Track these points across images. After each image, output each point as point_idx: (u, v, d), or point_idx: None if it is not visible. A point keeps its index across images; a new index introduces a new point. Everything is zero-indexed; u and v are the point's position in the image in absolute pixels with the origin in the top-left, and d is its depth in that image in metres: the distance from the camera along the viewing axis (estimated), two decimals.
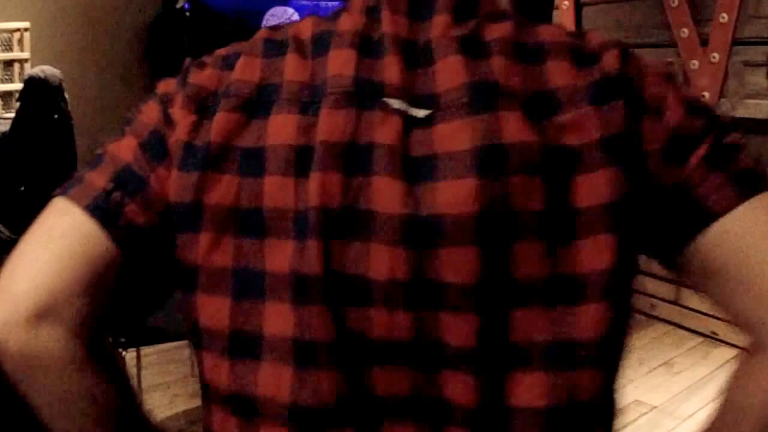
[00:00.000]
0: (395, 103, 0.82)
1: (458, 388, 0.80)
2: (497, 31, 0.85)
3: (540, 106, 0.81)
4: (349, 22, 0.88)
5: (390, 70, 0.83)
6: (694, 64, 4.64)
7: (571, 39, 0.88)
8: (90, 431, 0.90)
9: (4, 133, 3.97)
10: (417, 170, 0.79)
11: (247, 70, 0.89)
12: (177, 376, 4.56)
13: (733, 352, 4.66)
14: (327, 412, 0.81)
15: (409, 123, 0.81)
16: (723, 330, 4.74)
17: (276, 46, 0.90)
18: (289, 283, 0.81)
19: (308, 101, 0.84)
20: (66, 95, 4.04)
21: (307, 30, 0.90)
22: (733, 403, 0.87)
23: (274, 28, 0.95)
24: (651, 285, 5.19)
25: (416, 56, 0.85)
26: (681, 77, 4.79)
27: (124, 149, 0.92)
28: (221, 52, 0.96)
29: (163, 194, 0.88)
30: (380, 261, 0.79)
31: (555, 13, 5.75)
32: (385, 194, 0.79)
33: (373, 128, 0.81)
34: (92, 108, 5.02)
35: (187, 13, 5.26)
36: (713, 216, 0.81)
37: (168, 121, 0.91)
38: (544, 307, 0.79)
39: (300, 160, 0.81)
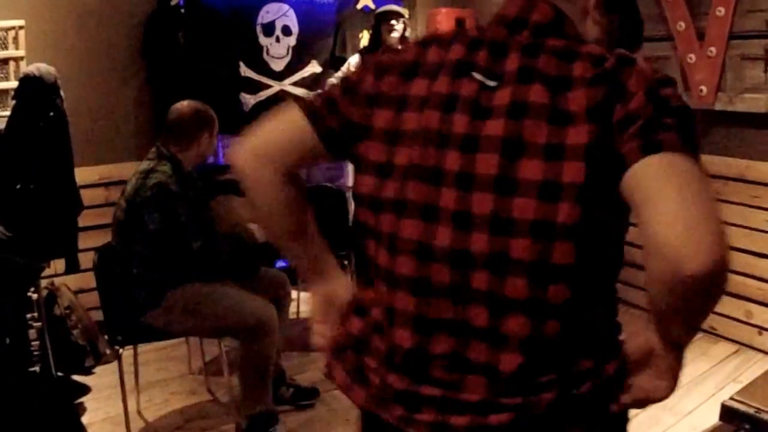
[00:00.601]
0: (478, 76, 1.38)
1: (480, 243, 1.32)
2: (552, 42, 1.37)
3: (561, 86, 1.30)
4: (470, 31, 1.47)
5: (480, 57, 1.40)
6: (691, 58, 4.64)
7: (599, 51, 1.35)
8: (285, 225, 1.66)
9: (0, 131, 3.97)
10: (480, 114, 1.36)
11: (409, 53, 1.52)
12: (174, 373, 4.56)
13: (733, 347, 4.68)
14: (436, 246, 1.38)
15: (483, 87, 1.37)
16: (722, 326, 4.75)
17: (427, 41, 1.51)
18: (415, 168, 1.41)
19: (435, 72, 1.44)
20: (61, 93, 4.03)
21: (448, 35, 1.49)
22: None
23: (438, 34, 1.56)
24: None
25: (500, 52, 1.39)
26: (678, 71, 4.79)
27: (333, 89, 1.60)
28: (399, 47, 1.67)
29: (347, 115, 1.53)
30: (451, 160, 1.36)
31: None
32: (459, 123, 1.37)
33: (461, 88, 1.39)
34: (87, 105, 5.02)
35: (182, 10, 5.24)
36: (626, 165, 1.23)
37: (361, 80, 1.55)
38: (537, 199, 1.28)
39: (423, 103, 1.42)
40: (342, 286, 1.73)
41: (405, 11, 5.70)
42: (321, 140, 1.54)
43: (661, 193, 1.16)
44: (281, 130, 1.59)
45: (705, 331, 4.83)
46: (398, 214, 1.43)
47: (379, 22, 5.63)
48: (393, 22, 5.51)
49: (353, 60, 5.78)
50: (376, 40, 5.67)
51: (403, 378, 1.43)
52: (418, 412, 1.40)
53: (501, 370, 1.33)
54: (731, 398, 1.89)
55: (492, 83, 1.36)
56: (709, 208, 1.14)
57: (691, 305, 1.22)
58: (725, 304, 4.70)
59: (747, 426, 1.81)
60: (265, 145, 1.58)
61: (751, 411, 1.83)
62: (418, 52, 1.49)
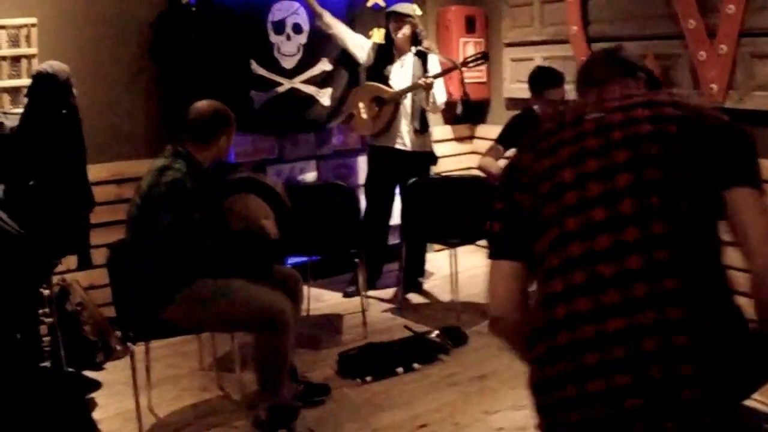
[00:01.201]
0: (589, 115, 1.91)
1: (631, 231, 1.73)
2: (636, 99, 1.91)
3: (630, 123, 1.82)
4: (567, 116, 1.99)
5: (587, 126, 1.90)
6: (702, 55, 4.61)
7: (648, 93, 1.99)
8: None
9: (12, 128, 3.97)
10: (602, 133, 1.84)
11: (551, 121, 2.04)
12: (185, 369, 4.56)
13: None
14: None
15: (598, 120, 1.87)
16: None
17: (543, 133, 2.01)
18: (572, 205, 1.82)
19: (555, 149, 1.93)
20: (74, 90, 4.03)
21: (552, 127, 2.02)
22: None
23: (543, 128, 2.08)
24: None
25: (604, 111, 1.91)
26: (688, 69, 4.77)
27: (493, 220, 2.00)
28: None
29: (517, 218, 1.95)
30: (595, 188, 1.80)
31: (560, 5, 5.73)
32: (591, 145, 1.84)
33: (584, 127, 1.89)
34: (99, 103, 5.02)
35: (193, 9, 5.24)
36: (722, 182, 1.73)
37: (506, 186, 2.03)
38: (636, 196, 1.73)
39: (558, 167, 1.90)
40: None
41: (413, 8, 5.68)
42: (521, 259, 1.94)
43: (749, 217, 1.69)
44: (503, 284, 1.98)
45: None
46: (565, 242, 1.80)
47: (387, 21, 5.64)
48: (395, 24, 5.51)
49: (367, 44, 5.80)
50: (388, 37, 5.69)
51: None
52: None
53: (634, 294, 1.67)
54: (751, 398, 1.88)
55: (598, 114, 1.90)
56: None
57: None
58: None
59: (767, 426, 1.80)
60: (503, 306, 1.97)
61: None
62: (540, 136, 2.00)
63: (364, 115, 5.67)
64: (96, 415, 3.93)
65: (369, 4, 6.29)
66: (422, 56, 5.62)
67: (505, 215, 1.97)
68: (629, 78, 2.11)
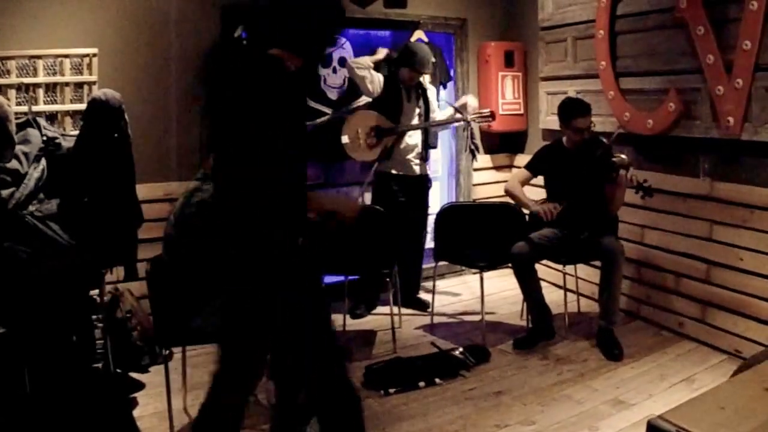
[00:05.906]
0: None
1: None
2: None
3: None
4: None
5: None
6: (720, 90, 4.51)
7: None
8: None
9: (68, 149, 4.07)
10: None
11: None
12: None
13: None
14: None
15: None
16: (747, 348, 4.57)
17: None
18: None
19: None
20: (126, 116, 4.12)
21: None
22: None
23: None
24: (679, 304, 5.06)
25: None
26: (708, 102, 4.67)
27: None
28: None
29: None
30: None
31: (591, 42, 5.67)
32: None
33: None
34: (155, 127, 5.14)
35: (244, 42, 5.32)
36: None
37: None
38: None
39: None
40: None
41: (431, 61, 5.81)
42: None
43: None
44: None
45: (729, 353, 4.68)
46: None
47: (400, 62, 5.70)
48: (411, 73, 5.65)
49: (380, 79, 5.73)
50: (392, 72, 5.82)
51: None
52: None
53: None
54: (659, 417, 1.83)
55: None
56: None
57: None
58: (752, 329, 4.54)
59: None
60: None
61: (673, 429, 1.77)
62: None
63: (362, 142, 5.62)
64: (136, 412, 4.00)
65: (413, 39, 6.30)
66: (423, 91, 5.78)
67: None
68: None
